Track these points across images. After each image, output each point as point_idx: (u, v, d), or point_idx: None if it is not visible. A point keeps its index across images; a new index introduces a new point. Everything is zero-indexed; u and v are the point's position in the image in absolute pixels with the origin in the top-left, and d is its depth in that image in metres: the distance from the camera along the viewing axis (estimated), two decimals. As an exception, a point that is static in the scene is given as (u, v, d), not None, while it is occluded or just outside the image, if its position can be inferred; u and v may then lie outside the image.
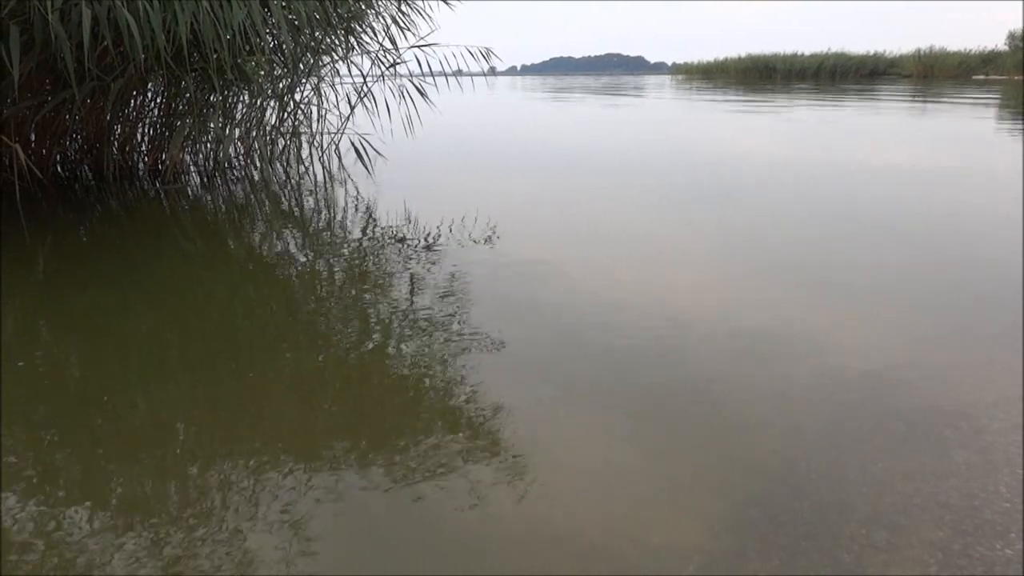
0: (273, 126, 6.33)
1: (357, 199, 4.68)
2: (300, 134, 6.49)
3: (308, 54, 6.04)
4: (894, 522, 1.36)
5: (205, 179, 5.64)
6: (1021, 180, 5.00)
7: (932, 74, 34.57)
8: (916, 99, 16.34)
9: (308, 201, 4.68)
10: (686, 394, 1.89)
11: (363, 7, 6.00)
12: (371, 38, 6.38)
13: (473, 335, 2.29)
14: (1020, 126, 9.09)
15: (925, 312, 2.48)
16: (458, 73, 6.87)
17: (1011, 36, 34.12)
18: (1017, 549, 1.28)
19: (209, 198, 4.87)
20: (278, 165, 6.20)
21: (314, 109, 6.45)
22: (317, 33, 5.89)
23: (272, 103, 6.16)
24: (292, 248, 3.50)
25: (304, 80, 6.22)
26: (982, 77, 32.17)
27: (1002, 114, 11.33)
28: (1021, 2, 38.26)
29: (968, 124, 9.56)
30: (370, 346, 2.22)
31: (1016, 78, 29.46)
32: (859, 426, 1.71)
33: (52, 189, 5.05)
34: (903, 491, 1.45)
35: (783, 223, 3.84)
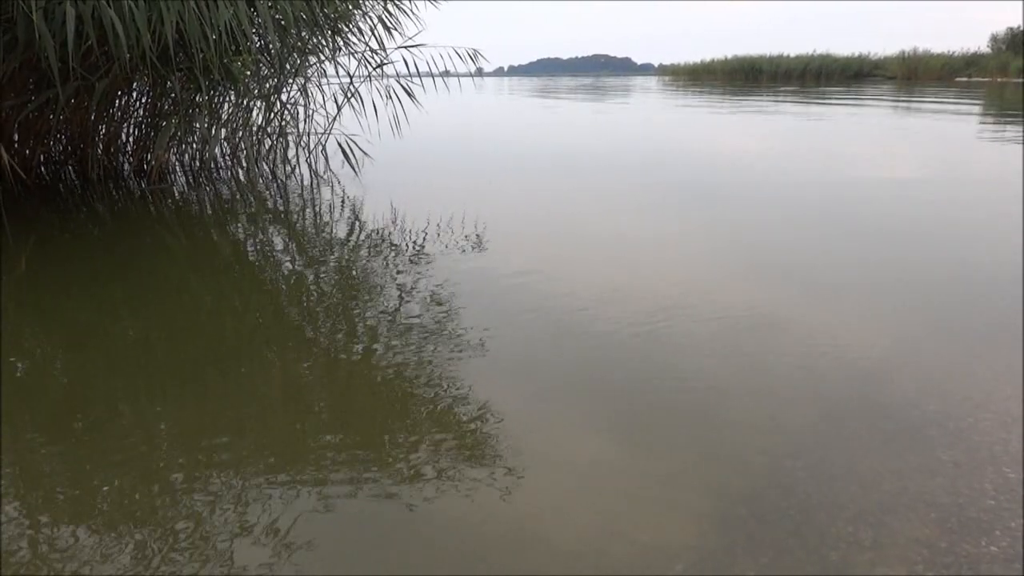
0: (260, 126, 6.30)
1: (344, 200, 4.67)
2: (287, 134, 6.46)
3: (295, 54, 6.02)
4: (881, 520, 1.36)
5: (191, 180, 5.61)
6: (1003, 182, 5.05)
7: (916, 76, 34.82)
8: (900, 101, 16.46)
9: (295, 202, 4.67)
10: (674, 393, 1.89)
11: (350, 7, 5.98)
12: (358, 38, 6.37)
13: (461, 336, 2.29)
14: (1005, 130, 9.18)
15: (912, 311, 2.49)
16: (445, 74, 6.87)
17: (993, 38, 34.46)
18: (1002, 546, 1.29)
19: (195, 199, 4.84)
20: (264, 165, 6.18)
21: (301, 109, 6.43)
22: (304, 33, 5.87)
23: (259, 103, 6.13)
24: (279, 250, 3.48)
25: (291, 80, 6.19)
26: (965, 79, 32.45)
27: (984, 118, 11.43)
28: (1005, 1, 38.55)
29: (952, 128, 9.64)
30: (358, 349, 2.22)
31: (999, 80, 29.74)
32: (846, 425, 1.72)
33: (36, 190, 5.01)
34: (890, 489, 1.46)
35: (772, 223, 3.85)
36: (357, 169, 5.93)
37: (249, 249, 3.53)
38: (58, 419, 1.78)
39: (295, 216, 4.24)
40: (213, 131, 5.97)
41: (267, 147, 6.38)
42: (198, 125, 5.85)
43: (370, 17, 6.26)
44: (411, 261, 3.16)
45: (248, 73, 5.73)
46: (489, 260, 3.17)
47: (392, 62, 6.49)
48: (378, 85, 6.49)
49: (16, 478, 1.53)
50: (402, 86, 6.54)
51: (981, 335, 2.26)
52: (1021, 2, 38.15)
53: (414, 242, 3.49)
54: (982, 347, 2.17)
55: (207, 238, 3.80)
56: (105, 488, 1.49)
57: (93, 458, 1.61)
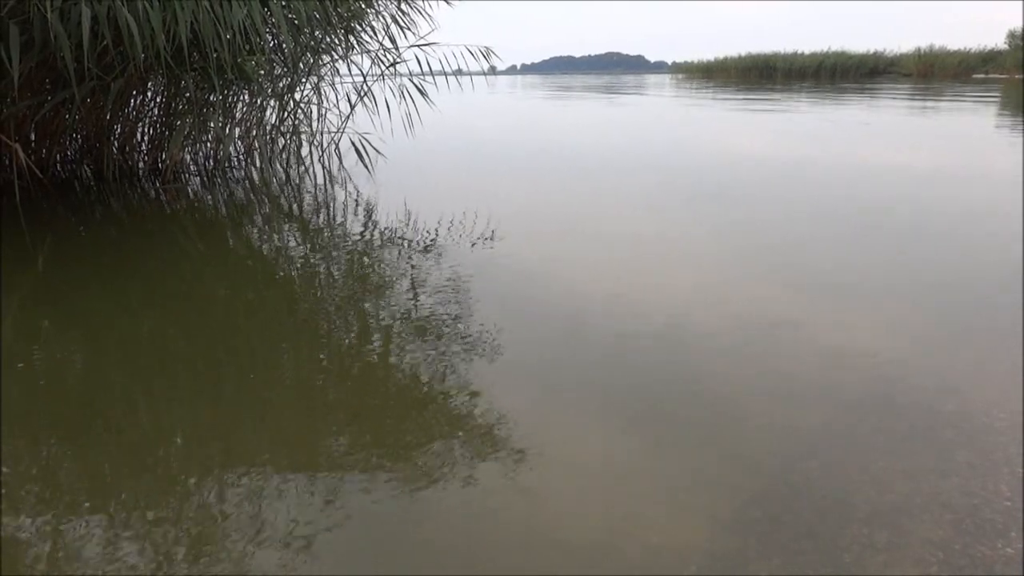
0: (273, 125, 6.32)
1: (357, 198, 4.68)
2: (300, 133, 6.48)
3: (308, 53, 6.04)
4: (895, 522, 1.35)
5: (205, 179, 5.64)
6: (1020, 180, 5.00)
7: (932, 73, 34.55)
8: (916, 98, 16.32)
9: (308, 200, 4.68)
10: (686, 394, 1.88)
11: (363, 6, 6.00)
12: (371, 37, 6.38)
13: (474, 335, 2.29)
14: (1020, 126, 9.08)
15: (926, 311, 2.48)
16: (458, 72, 6.87)
17: (1011, 35, 34.11)
18: (1018, 548, 1.28)
19: (209, 197, 4.87)
20: (278, 164, 6.20)
21: (314, 108, 6.46)
22: (317, 32, 5.89)
23: (272, 102, 6.16)
24: (292, 248, 3.50)
25: (304, 79, 6.21)
26: (982, 76, 32.14)
27: (1003, 115, 11.32)
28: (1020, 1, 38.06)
29: (973, 125, 9.54)
30: (371, 348, 2.22)
31: (1016, 76, 29.44)
32: (859, 426, 1.71)
33: (52, 189, 5.05)
34: (903, 491, 1.45)
35: (784, 222, 3.83)
36: (370, 168, 5.94)
37: (263, 247, 3.55)
38: (73, 416, 1.80)
39: (309, 215, 4.25)
40: (227, 130, 6.00)
41: (281, 146, 6.40)
42: (212, 124, 5.88)
43: (383, 16, 6.28)
44: (424, 259, 3.16)
45: (262, 72, 5.75)
46: (503, 259, 3.17)
47: (405, 61, 6.51)
48: (391, 84, 6.51)
49: (31, 476, 1.54)
50: (415, 85, 6.55)
51: (997, 334, 2.24)
52: (1021, 1, 37.67)
53: (427, 240, 3.49)
54: (998, 346, 2.15)
55: (221, 237, 3.82)
56: (118, 486, 1.50)
57: (104, 455, 1.62)
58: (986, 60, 34.18)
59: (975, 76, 32.20)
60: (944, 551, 1.28)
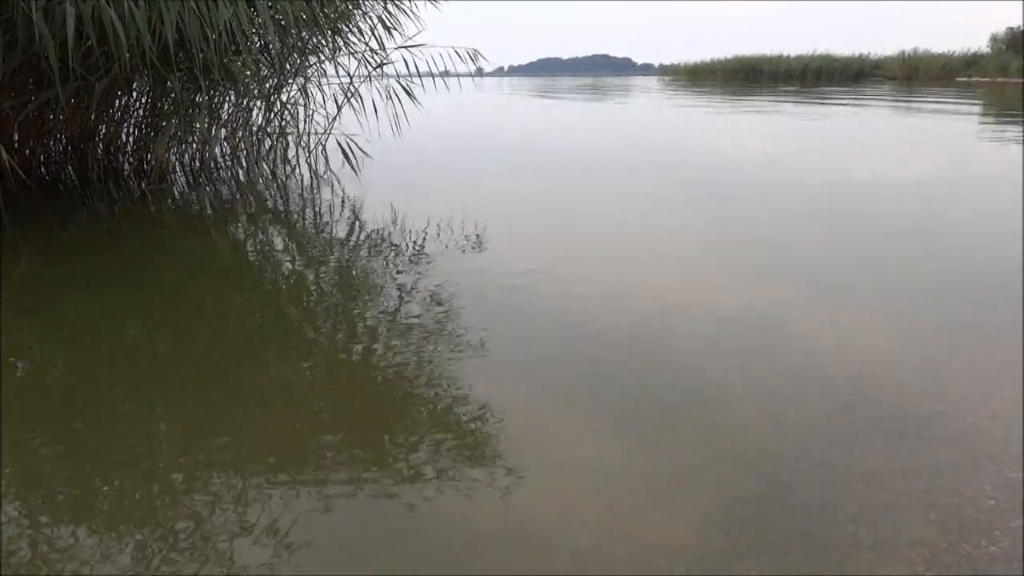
0: (260, 126, 6.29)
1: (344, 199, 4.67)
2: (287, 134, 6.45)
3: (295, 54, 6.01)
4: (882, 520, 1.36)
5: (191, 180, 5.61)
6: (1016, 180, 5.05)
7: (916, 76, 34.79)
8: (900, 102, 16.44)
9: (295, 202, 4.66)
10: (677, 393, 1.89)
11: (350, 7, 5.98)
12: (358, 38, 6.37)
13: (461, 336, 2.29)
14: (1006, 130, 9.17)
15: (916, 312, 2.49)
16: (445, 74, 6.86)
17: (993, 38, 34.42)
18: (1002, 547, 1.29)
19: (195, 199, 4.84)
20: (264, 165, 6.17)
21: (301, 109, 6.43)
22: (304, 33, 5.86)
23: (259, 103, 6.13)
24: (279, 250, 3.48)
25: (291, 80, 6.19)
26: (965, 79, 32.41)
27: (984, 118, 11.42)
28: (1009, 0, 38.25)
29: (954, 127, 9.63)
30: (358, 349, 2.22)
31: (998, 80, 29.71)
32: (849, 425, 1.72)
33: (36, 190, 5.01)
34: (893, 490, 1.46)
35: (775, 224, 3.85)
36: (357, 169, 5.93)
37: (249, 249, 3.53)
38: (58, 418, 1.78)
39: (295, 216, 4.24)
40: (213, 131, 5.97)
41: (267, 147, 6.37)
42: (198, 125, 5.85)
43: (370, 17, 6.26)
44: (411, 261, 3.16)
45: (248, 73, 5.73)
46: (490, 260, 3.17)
47: (392, 62, 6.49)
48: (378, 85, 6.49)
49: (16, 478, 1.53)
50: (402, 86, 6.54)
51: (985, 335, 2.26)
52: (1021, 1, 38.09)
53: (414, 242, 3.49)
54: (986, 347, 2.17)
55: (207, 238, 3.80)
56: (105, 488, 1.49)
57: (93, 458, 1.60)
58: (969, 64, 34.43)
59: (958, 79, 32.46)
60: (931, 549, 1.29)
